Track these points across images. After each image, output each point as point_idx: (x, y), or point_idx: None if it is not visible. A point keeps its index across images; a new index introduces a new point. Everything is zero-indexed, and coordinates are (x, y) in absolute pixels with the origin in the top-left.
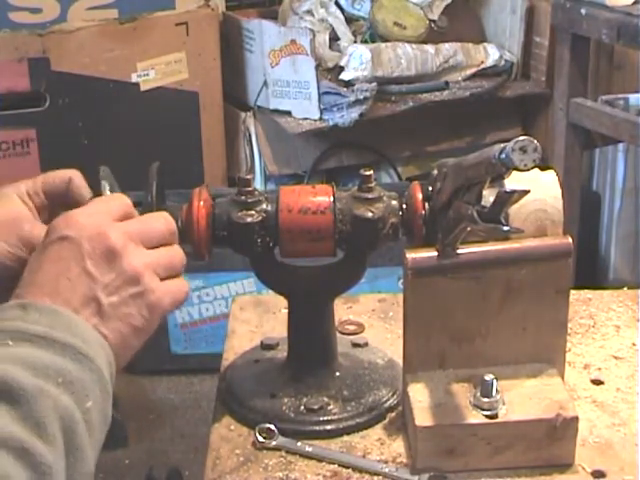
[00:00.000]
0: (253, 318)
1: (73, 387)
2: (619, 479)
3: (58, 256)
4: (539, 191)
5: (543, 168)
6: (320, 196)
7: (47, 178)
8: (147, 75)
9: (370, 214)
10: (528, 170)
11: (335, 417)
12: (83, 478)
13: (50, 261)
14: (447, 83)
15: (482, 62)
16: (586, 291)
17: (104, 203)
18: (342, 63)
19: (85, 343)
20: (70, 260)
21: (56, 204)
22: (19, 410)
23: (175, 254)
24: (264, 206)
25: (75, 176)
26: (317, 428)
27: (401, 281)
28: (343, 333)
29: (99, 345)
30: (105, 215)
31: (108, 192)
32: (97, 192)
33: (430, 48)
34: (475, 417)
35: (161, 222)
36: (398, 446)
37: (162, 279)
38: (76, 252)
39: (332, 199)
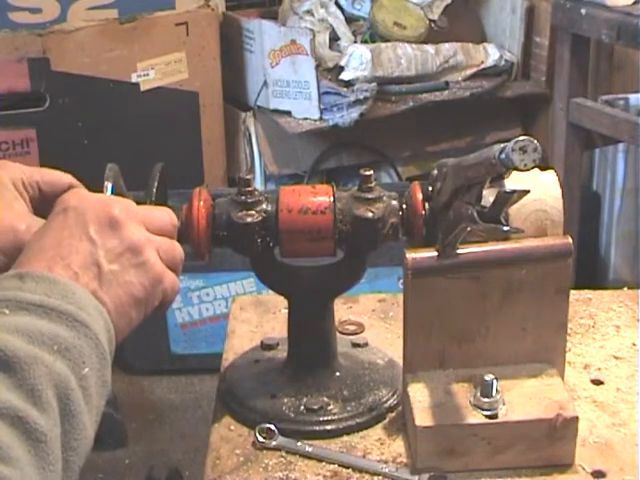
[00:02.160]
0: (253, 318)
1: (69, 354)
2: (619, 479)
3: (62, 224)
4: (539, 191)
5: (543, 168)
6: (320, 196)
7: (48, 179)
8: (147, 75)
9: (370, 214)
10: (528, 170)
11: (335, 417)
12: (80, 444)
13: (54, 229)
14: (447, 83)
15: (482, 62)
16: (586, 291)
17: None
18: (342, 63)
19: (82, 310)
20: (73, 227)
21: (51, 201)
22: (13, 378)
23: (176, 247)
24: (264, 206)
25: (74, 181)
26: (317, 428)
27: (401, 281)
28: (343, 333)
29: (97, 312)
30: (110, 197)
31: (109, 194)
32: (99, 191)
33: (430, 48)
34: (475, 417)
35: (164, 214)
36: (398, 446)
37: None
38: (80, 220)
39: (332, 199)
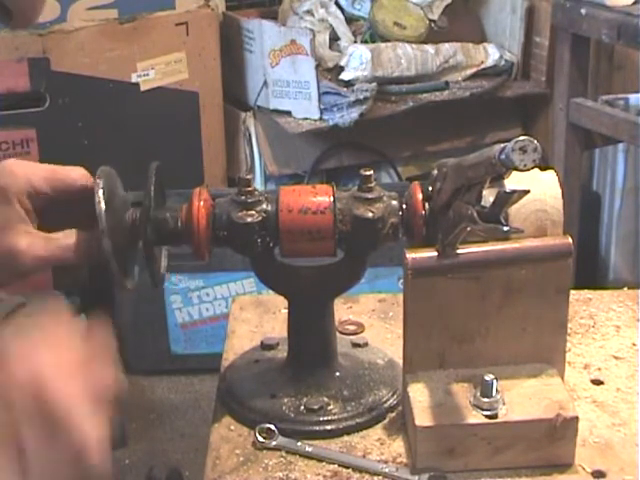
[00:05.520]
0: (253, 318)
1: None
2: (619, 479)
3: None
4: (539, 191)
5: (543, 168)
6: (320, 196)
7: (56, 183)
8: (147, 75)
9: (370, 214)
10: (528, 170)
11: (335, 417)
12: None
13: None
14: (447, 83)
15: (482, 62)
16: (586, 291)
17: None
18: (342, 63)
19: None
20: None
21: (67, 199)
22: None
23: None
24: (264, 206)
25: (89, 177)
26: (317, 428)
27: (401, 281)
28: (343, 333)
29: None
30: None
31: (101, 194)
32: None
33: (430, 48)
34: (475, 417)
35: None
36: (398, 446)
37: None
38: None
39: (332, 199)
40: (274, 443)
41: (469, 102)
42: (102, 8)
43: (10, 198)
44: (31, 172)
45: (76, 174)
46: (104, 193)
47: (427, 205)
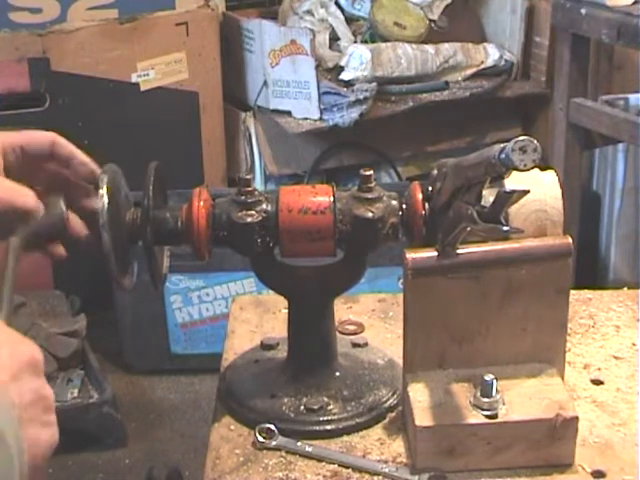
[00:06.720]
0: (253, 318)
1: None
2: (619, 479)
3: None
4: (539, 191)
5: (543, 168)
6: (320, 196)
7: (29, 140)
8: (147, 75)
9: (370, 214)
10: (528, 170)
11: (335, 417)
12: None
13: None
14: (447, 83)
15: (482, 62)
16: (586, 291)
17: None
18: (342, 63)
19: None
20: None
21: (38, 163)
22: None
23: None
24: (264, 206)
25: (57, 137)
26: (317, 428)
27: (401, 281)
28: (343, 333)
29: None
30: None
31: (105, 188)
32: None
33: (430, 48)
34: (475, 417)
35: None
36: (398, 446)
37: None
38: None
39: (332, 199)
40: (274, 443)
41: (469, 102)
42: (102, 8)
43: None
44: (3, 133)
45: (48, 135)
46: (108, 189)
47: (427, 205)
